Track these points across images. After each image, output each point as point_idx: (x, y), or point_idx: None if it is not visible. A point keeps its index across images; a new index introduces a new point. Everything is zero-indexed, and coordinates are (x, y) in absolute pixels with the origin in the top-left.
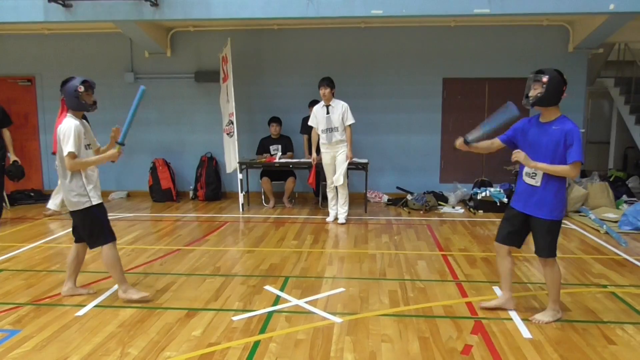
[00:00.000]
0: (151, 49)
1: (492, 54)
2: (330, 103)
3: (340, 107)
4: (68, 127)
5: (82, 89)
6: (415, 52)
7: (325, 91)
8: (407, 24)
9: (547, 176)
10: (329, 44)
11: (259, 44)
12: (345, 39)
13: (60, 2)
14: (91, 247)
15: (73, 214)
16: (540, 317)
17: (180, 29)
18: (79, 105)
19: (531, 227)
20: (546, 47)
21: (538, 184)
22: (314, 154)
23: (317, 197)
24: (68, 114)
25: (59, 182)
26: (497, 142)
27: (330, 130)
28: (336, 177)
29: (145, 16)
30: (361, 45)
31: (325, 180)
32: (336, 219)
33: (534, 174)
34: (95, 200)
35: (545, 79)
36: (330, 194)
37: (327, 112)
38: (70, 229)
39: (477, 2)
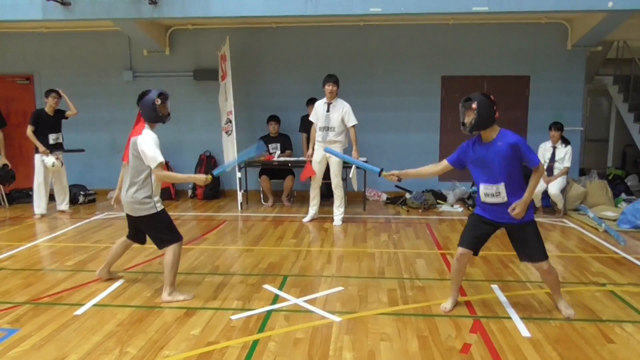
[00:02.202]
0: (150, 47)
1: (490, 51)
2: (332, 101)
3: (340, 108)
4: (150, 140)
5: (159, 101)
6: (413, 50)
7: (333, 88)
8: (405, 22)
9: (509, 188)
10: (327, 42)
11: (258, 42)
12: (343, 37)
13: (59, 0)
14: (160, 248)
15: (139, 219)
16: (569, 311)
17: (179, 27)
18: (156, 118)
19: (515, 236)
20: (545, 44)
21: (505, 199)
22: (310, 151)
23: None
24: (146, 126)
25: (124, 189)
26: (442, 165)
27: (326, 129)
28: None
29: (143, 14)
30: (360, 43)
31: (329, 179)
32: (322, 219)
33: (497, 193)
34: (160, 206)
35: (474, 105)
36: (312, 193)
37: (327, 110)
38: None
39: None
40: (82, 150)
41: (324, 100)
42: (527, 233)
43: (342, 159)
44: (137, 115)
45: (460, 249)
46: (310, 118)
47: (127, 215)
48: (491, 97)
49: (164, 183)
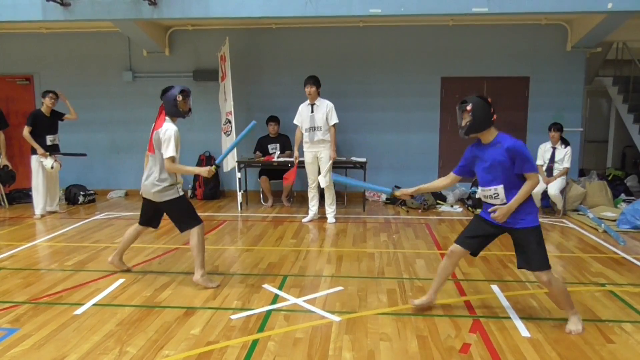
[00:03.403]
0: (149, 48)
1: (490, 52)
2: (315, 102)
3: (324, 107)
4: (170, 132)
5: (180, 97)
6: (413, 51)
7: (311, 89)
8: (405, 23)
9: (507, 190)
10: (327, 43)
11: (258, 43)
12: (343, 38)
13: (59, 1)
14: (182, 231)
15: (163, 204)
16: (574, 327)
17: (179, 27)
18: (177, 112)
19: (517, 241)
20: (544, 46)
21: (503, 201)
22: (296, 152)
23: None
24: (167, 119)
25: (147, 177)
26: (450, 177)
27: (313, 129)
28: (320, 178)
29: (143, 15)
30: (360, 44)
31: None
32: (322, 219)
33: (495, 195)
34: (181, 192)
35: (469, 107)
36: (310, 194)
37: (312, 111)
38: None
39: (475, 1)
40: (84, 155)
41: (307, 102)
42: (527, 239)
43: (349, 184)
44: (160, 108)
45: (453, 246)
46: (295, 121)
47: (145, 202)
48: (488, 99)
49: None
